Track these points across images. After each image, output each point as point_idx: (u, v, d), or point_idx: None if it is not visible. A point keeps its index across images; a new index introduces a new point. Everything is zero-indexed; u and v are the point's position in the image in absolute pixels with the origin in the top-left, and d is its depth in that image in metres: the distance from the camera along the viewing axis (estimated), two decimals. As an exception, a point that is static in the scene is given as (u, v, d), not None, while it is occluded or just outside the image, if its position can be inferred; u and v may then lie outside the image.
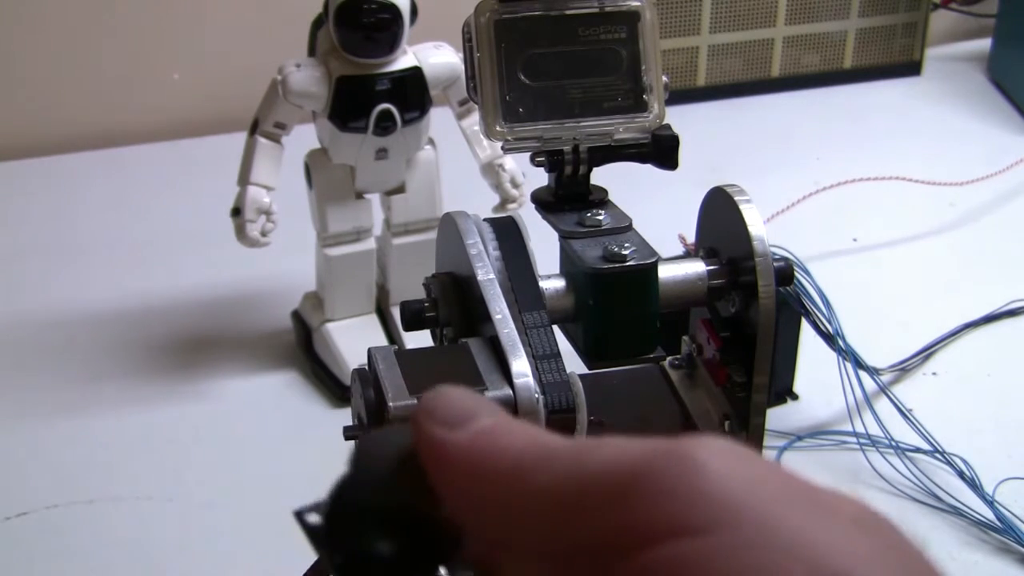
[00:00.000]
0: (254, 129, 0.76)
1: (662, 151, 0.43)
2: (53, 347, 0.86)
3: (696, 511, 0.20)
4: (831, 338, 0.72)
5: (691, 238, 0.47)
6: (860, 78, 1.33)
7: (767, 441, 0.45)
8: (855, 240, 0.99)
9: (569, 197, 0.44)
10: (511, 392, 0.37)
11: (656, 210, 0.68)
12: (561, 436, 0.23)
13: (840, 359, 0.72)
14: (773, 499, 0.20)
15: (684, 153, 0.44)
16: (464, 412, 0.23)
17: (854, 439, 0.72)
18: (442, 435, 0.23)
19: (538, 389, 0.38)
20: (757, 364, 0.42)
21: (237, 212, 0.76)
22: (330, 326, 0.81)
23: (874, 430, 0.72)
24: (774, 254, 0.41)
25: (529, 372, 0.37)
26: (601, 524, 0.21)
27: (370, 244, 0.80)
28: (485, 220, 0.43)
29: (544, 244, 0.44)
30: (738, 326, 0.43)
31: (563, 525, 0.21)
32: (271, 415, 0.78)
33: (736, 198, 0.42)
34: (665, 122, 0.43)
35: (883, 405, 0.73)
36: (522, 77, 0.42)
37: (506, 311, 0.39)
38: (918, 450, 0.71)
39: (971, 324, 0.86)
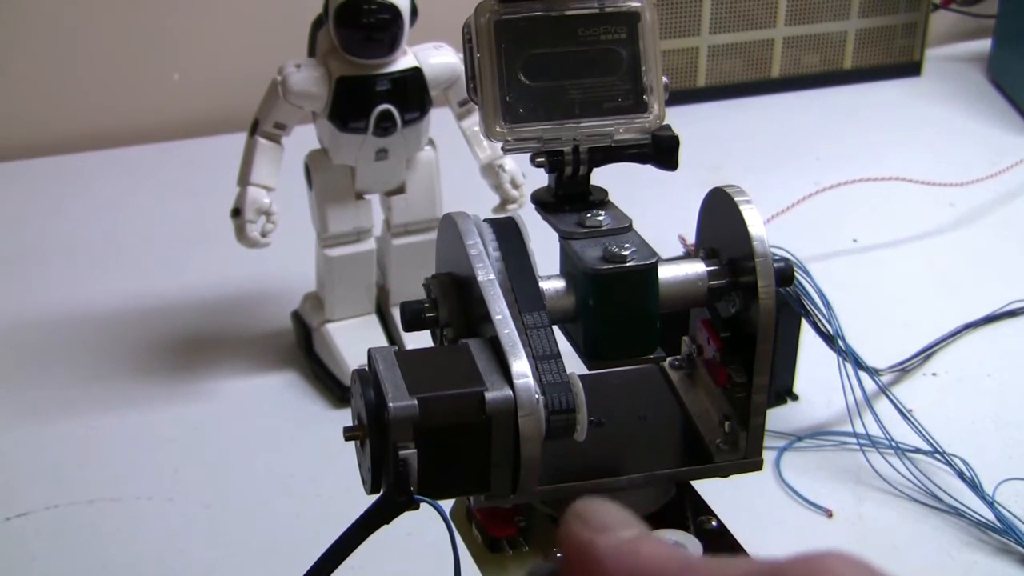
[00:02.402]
0: (254, 129, 0.76)
1: (662, 151, 0.43)
2: (53, 347, 0.86)
3: None
4: (831, 338, 0.72)
5: (691, 238, 0.47)
6: (860, 78, 1.33)
7: (767, 442, 0.45)
8: (855, 240, 0.99)
9: (569, 198, 0.44)
10: (511, 392, 0.37)
11: (656, 210, 0.68)
12: (699, 554, 0.24)
13: (840, 359, 0.72)
14: None
15: (684, 153, 0.44)
16: (613, 520, 0.26)
17: (854, 439, 0.72)
18: (591, 537, 0.25)
19: (538, 389, 0.38)
20: (757, 364, 0.42)
21: (237, 213, 0.76)
22: (330, 326, 0.81)
23: (874, 430, 0.72)
24: (774, 254, 0.41)
25: (529, 372, 0.37)
26: None
27: (370, 244, 0.80)
28: (485, 220, 0.42)
29: (544, 244, 0.44)
30: (738, 326, 0.43)
31: None
32: (271, 415, 0.78)
33: (736, 198, 0.42)
34: (665, 122, 0.43)
35: (883, 405, 0.73)
36: (522, 77, 0.42)
37: (506, 311, 0.39)
38: (918, 450, 0.71)
39: (971, 324, 0.86)
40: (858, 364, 0.73)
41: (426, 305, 0.42)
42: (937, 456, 0.70)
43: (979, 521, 0.66)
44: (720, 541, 0.42)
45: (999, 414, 0.77)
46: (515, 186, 0.79)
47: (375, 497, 0.38)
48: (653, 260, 0.41)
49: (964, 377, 0.81)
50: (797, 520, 0.67)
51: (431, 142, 0.79)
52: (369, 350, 0.39)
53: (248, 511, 0.69)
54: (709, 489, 0.44)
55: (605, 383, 0.46)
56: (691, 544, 0.40)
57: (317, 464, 0.73)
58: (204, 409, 0.79)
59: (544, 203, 0.44)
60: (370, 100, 0.73)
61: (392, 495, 0.37)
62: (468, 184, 0.81)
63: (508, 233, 0.42)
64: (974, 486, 0.68)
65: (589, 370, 0.42)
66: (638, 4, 0.43)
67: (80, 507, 0.69)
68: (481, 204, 0.72)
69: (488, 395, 0.37)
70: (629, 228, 0.42)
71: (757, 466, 0.43)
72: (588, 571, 0.25)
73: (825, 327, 0.72)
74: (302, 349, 0.83)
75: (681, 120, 0.46)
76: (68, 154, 1.17)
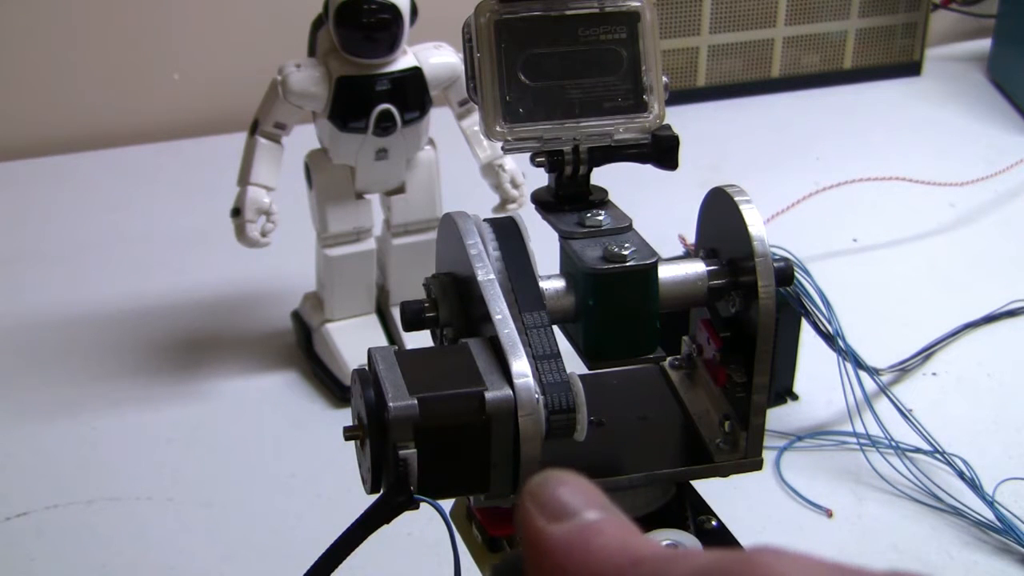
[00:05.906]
0: (254, 129, 0.76)
1: (662, 151, 0.43)
2: (53, 347, 0.86)
3: None
4: (831, 338, 0.72)
5: (691, 238, 0.47)
6: (860, 78, 1.33)
7: (767, 441, 0.45)
8: (855, 240, 0.99)
9: (569, 197, 0.44)
10: (511, 392, 0.37)
11: (656, 210, 0.68)
12: (653, 544, 0.24)
13: (840, 359, 0.72)
14: None
15: (684, 153, 0.44)
16: (569, 505, 0.25)
17: (854, 439, 0.72)
18: (543, 525, 0.24)
19: (538, 389, 0.38)
20: (757, 364, 0.42)
21: (237, 212, 0.76)
22: (330, 326, 0.81)
23: (874, 430, 0.72)
24: (774, 254, 0.41)
25: (529, 372, 0.37)
26: None
27: (370, 244, 0.80)
28: (485, 220, 0.42)
29: (544, 244, 0.44)
30: (738, 326, 0.43)
31: None
32: (271, 415, 0.78)
33: (736, 198, 0.42)
34: (665, 122, 0.43)
35: (883, 405, 0.73)
36: (522, 77, 0.42)
37: (506, 311, 0.39)
38: (918, 450, 0.71)
39: (971, 324, 0.86)
40: (858, 364, 0.73)
41: (426, 305, 0.42)
42: (937, 456, 0.70)
43: (979, 521, 0.66)
44: (720, 541, 0.42)
45: (999, 414, 0.77)
46: (515, 186, 0.79)
47: (375, 497, 0.38)
48: (653, 260, 0.41)
49: (964, 377, 0.81)
50: (797, 520, 0.67)
51: (431, 142, 0.79)
52: (369, 350, 0.39)
53: (248, 511, 0.69)
54: (709, 489, 0.44)
55: (605, 383, 0.46)
56: (690, 544, 0.40)
57: (317, 464, 0.73)
58: (204, 409, 0.79)
59: (544, 203, 0.44)
60: (370, 100, 0.73)
61: (392, 495, 0.37)
62: (468, 184, 0.81)
63: (508, 233, 0.42)
64: (974, 486, 0.68)
65: (589, 370, 0.42)
66: (638, 4, 0.43)
67: (80, 507, 0.69)
68: (481, 204, 0.72)
69: (488, 395, 0.37)
70: (629, 228, 0.42)
71: (757, 466, 0.43)
72: (539, 562, 0.24)
73: (825, 327, 0.72)
74: (302, 349, 0.83)
75: (681, 120, 0.46)
76: (68, 154, 1.17)
